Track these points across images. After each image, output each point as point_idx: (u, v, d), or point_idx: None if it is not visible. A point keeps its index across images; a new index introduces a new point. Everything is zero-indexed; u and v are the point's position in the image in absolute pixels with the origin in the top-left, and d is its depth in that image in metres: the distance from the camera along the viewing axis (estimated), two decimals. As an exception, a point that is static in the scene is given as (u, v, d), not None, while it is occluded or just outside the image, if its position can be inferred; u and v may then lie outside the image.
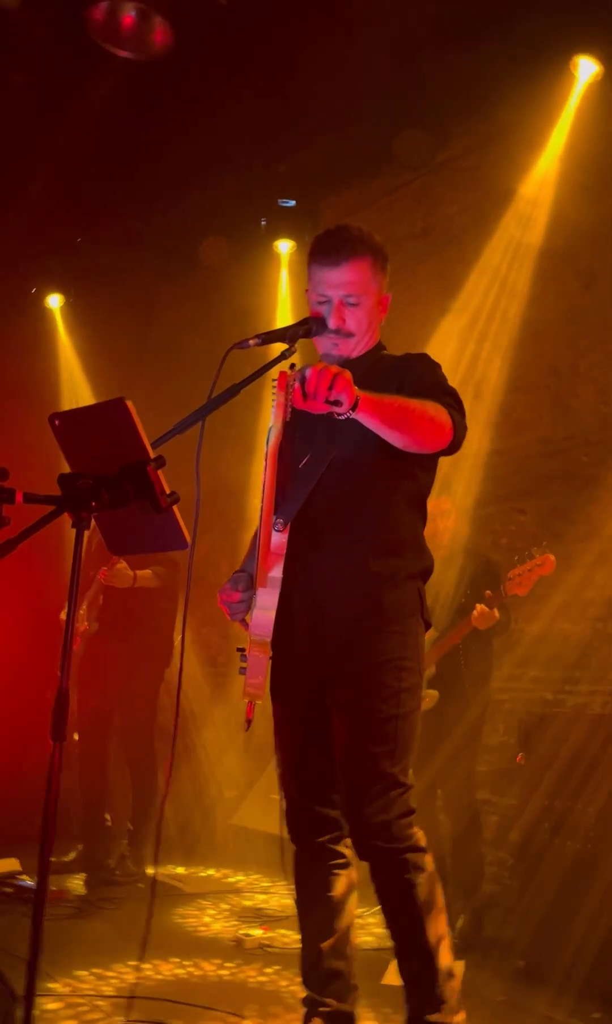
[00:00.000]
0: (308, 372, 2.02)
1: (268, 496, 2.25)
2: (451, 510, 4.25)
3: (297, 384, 2.02)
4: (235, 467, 6.12)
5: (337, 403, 2.06)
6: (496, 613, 3.83)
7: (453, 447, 2.32)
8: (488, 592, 3.83)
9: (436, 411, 2.25)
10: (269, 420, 2.33)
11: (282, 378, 2.06)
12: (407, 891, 2.26)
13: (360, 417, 2.11)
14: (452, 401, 2.34)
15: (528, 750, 3.50)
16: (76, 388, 6.98)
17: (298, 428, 2.45)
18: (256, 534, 2.61)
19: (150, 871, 4.65)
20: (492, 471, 4.88)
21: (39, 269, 6.59)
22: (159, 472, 1.76)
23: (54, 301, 6.84)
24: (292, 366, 2.34)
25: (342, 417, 2.10)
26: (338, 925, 2.45)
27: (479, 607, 3.81)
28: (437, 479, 2.57)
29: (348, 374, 2.07)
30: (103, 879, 4.51)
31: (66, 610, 4.98)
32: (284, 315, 5.98)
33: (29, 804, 5.39)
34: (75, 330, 6.97)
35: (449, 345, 4.99)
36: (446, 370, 2.56)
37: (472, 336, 4.97)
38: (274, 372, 2.24)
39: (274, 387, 2.12)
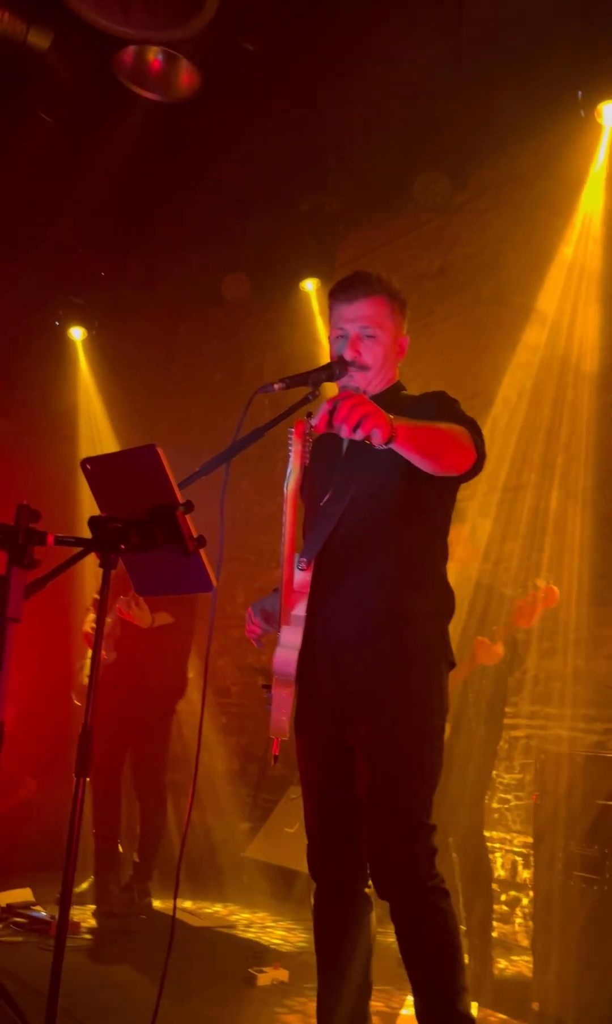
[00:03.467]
0: (340, 402, 2.01)
1: (289, 539, 2.28)
2: (467, 537, 4.13)
3: (325, 411, 2.01)
4: (251, 496, 6.16)
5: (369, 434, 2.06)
6: (499, 649, 3.74)
7: (476, 468, 2.34)
8: (495, 627, 3.78)
9: (461, 433, 2.28)
10: (285, 454, 2.36)
11: (299, 426, 2.09)
12: (428, 933, 2.26)
13: (397, 447, 2.12)
14: (471, 427, 2.36)
15: (543, 788, 3.49)
16: (93, 418, 7.05)
17: (320, 464, 2.49)
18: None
19: (157, 904, 4.65)
20: (508, 507, 4.90)
21: (63, 302, 6.70)
22: (187, 517, 1.80)
23: (76, 334, 6.96)
24: (308, 415, 2.38)
25: (381, 447, 2.10)
26: (357, 968, 2.43)
27: (478, 639, 3.72)
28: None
29: (380, 412, 2.04)
30: (111, 911, 4.51)
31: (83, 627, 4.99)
32: (302, 350, 6.04)
33: (40, 833, 5.43)
34: (97, 363, 7.07)
35: (467, 382, 5.04)
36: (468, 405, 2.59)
37: (490, 373, 5.02)
38: (291, 420, 2.27)
39: (291, 435, 2.15)
